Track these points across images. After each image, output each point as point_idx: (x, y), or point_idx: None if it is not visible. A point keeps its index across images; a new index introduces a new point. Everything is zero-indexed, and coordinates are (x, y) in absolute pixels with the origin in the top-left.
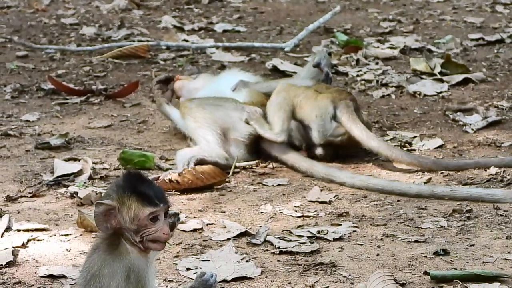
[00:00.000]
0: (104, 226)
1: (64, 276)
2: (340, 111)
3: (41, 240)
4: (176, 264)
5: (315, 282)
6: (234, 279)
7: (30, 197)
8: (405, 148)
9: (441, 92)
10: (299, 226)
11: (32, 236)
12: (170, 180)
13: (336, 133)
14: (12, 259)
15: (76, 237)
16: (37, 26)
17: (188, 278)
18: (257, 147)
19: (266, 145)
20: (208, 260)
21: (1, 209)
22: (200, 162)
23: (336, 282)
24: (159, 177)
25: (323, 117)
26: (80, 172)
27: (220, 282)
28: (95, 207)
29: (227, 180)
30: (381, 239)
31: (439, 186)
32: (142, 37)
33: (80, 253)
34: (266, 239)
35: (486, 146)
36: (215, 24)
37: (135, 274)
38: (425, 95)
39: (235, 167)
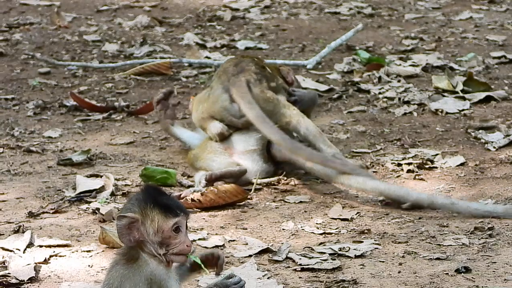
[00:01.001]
0: (127, 239)
1: None
2: (231, 91)
3: (63, 256)
4: (198, 280)
5: None
6: None
7: (52, 213)
8: (426, 166)
9: (463, 110)
10: (321, 243)
11: (54, 252)
12: (192, 200)
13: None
14: (34, 275)
15: (98, 253)
16: (59, 42)
17: None
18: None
19: (276, 151)
20: None
21: (23, 225)
22: (211, 177)
23: None
24: (181, 195)
25: (224, 106)
26: (102, 189)
27: None
28: (118, 220)
29: (249, 197)
30: (403, 256)
31: (439, 197)
32: (164, 54)
33: (102, 269)
34: (288, 256)
35: (508, 164)
36: (237, 41)
37: (156, 285)
38: (447, 113)
39: (257, 184)
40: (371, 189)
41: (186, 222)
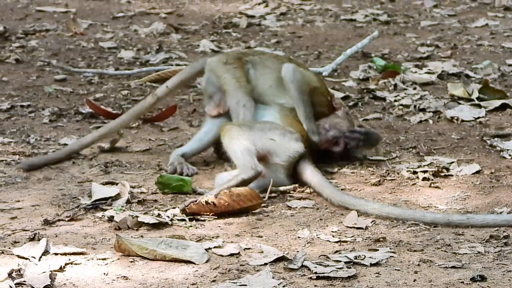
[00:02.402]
0: None
1: None
2: None
3: (78, 264)
4: None
5: None
6: None
7: (68, 220)
8: (442, 174)
9: (478, 118)
10: (336, 251)
11: (69, 260)
12: (207, 202)
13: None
14: (49, 283)
15: (113, 261)
16: (75, 49)
17: None
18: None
19: (300, 169)
20: (245, 285)
21: (38, 232)
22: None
23: None
24: (196, 199)
25: None
26: (117, 196)
27: None
28: None
29: (263, 204)
30: (418, 265)
31: (455, 215)
32: (180, 61)
33: (118, 277)
34: (303, 264)
35: None
36: (253, 48)
37: None
38: (462, 121)
39: (272, 192)
40: (387, 215)
41: None
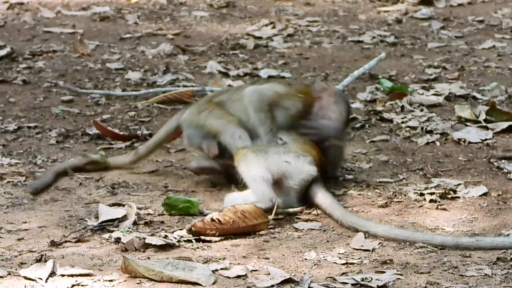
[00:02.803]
0: None
1: None
2: None
3: (85, 285)
4: None
5: None
6: None
7: (75, 242)
8: (449, 196)
9: (485, 140)
10: (343, 273)
11: (76, 281)
12: (212, 219)
13: None
14: None
15: (120, 282)
16: (82, 70)
17: None
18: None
19: (312, 191)
20: None
21: (45, 254)
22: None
23: None
24: (203, 218)
25: None
26: (124, 218)
27: None
28: None
29: (269, 223)
30: (425, 287)
31: (464, 237)
32: (187, 82)
33: None
34: (310, 286)
35: None
36: (260, 70)
37: None
38: (469, 142)
39: (279, 213)
40: (396, 237)
41: None
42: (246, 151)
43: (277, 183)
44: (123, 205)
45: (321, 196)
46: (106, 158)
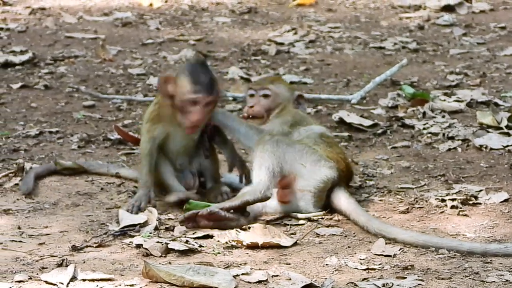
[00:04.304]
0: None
1: None
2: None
3: None
4: None
5: None
6: None
7: (96, 247)
8: (470, 202)
9: (507, 146)
10: (364, 279)
11: (97, 286)
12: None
13: None
14: None
15: (141, 287)
16: (104, 76)
17: None
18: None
19: (334, 197)
20: None
21: (66, 258)
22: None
23: None
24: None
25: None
26: (145, 223)
27: None
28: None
29: (291, 232)
30: None
31: (492, 244)
32: None
33: None
34: None
35: None
36: (282, 76)
37: None
38: (491, 149)
39: (300, 219)
40: (423, 243)
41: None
42: (270, 137)
43: (287, 185)
44: (144, 210)
45: (345, 202)
46: (78, 164)
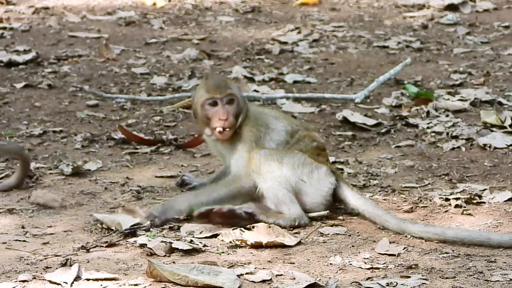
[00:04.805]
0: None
1: None
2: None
3: None
4: None
5: None
6: None
7: (106, 246)
8: (474, 201)
9: (511, 145)
10: (368, 278)
11: (101, 285)
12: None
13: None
14: None
15: (145, 286)
16: (107, 75)
17: None
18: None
19: (344, 195)
20: None
21: (70, 258)
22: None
23: None
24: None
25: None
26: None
27: None
28: None
29: (295, 231)
30: None
31: None
32: None
33: None
34: None
35: None
36: (285, 75)
37: None
38: (495, 148)
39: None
40: (453, 239)
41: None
42: (259, 156)
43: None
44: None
45: (360, 201)
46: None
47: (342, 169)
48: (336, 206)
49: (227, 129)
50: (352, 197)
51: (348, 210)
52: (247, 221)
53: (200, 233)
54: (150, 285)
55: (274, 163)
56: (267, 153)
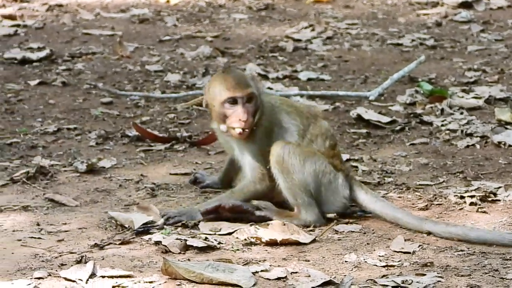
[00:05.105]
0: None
1: None
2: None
3: (125, 287)
4: None
5: None
6: None
7: (119, 244)
8: (489, 199)
9: None
10: (383, 276)
11: (116, 283)
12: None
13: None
14: None
15: (160, 284)
16: (121, 72)
17: None
18: None
19: (361, 200)
20: None
21: (85, 255)
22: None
23: None
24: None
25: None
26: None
27: None
28: None
29: (311, 229)
30: None
31: None
32: None
33: None
34: None
35: None
36: (299, 72)
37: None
38: (510, 145)
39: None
40: (476, 239)
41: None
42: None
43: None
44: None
45: (377, 205)
46: None
47: (356, 167)
48: (350, 204)
49: (246, 130)
50: (369, 201)
51: (366, 213)
52: (254, 215)
53: (220, 230)
54: (165, 282)
55: (297, 164)
56: (290, 150)
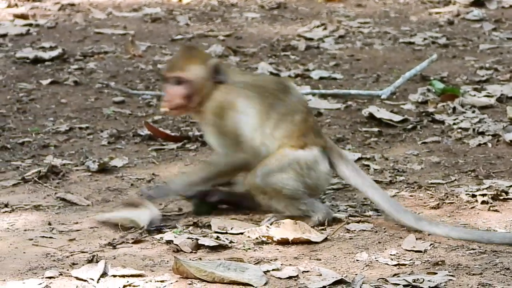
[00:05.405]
0: None
1: None
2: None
3: (136, 286)
4: None
5: None
6: None
7: (132, 243)
8: (501, 197)
9: None
10: (395, 275)
11: (128, 282)
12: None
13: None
14: None
15: (172, 283)
16: (133, 71)
17: None
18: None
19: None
20: None
21: (97, 254)
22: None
23: None
24: None
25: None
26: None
27: None
28: None
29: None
30: None
31: None
32: None
33: None
34: (362, 287)
35: None
36: (311, 71)
37: None
38: None
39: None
40: (500, 241)
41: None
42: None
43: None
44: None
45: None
46: None
47: (368, 166)
48: (362, 203)
49: (172, 110)
50: (349, 176)
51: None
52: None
53: (231, 229)
54: (176, 281)
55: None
56: (258, 173)
